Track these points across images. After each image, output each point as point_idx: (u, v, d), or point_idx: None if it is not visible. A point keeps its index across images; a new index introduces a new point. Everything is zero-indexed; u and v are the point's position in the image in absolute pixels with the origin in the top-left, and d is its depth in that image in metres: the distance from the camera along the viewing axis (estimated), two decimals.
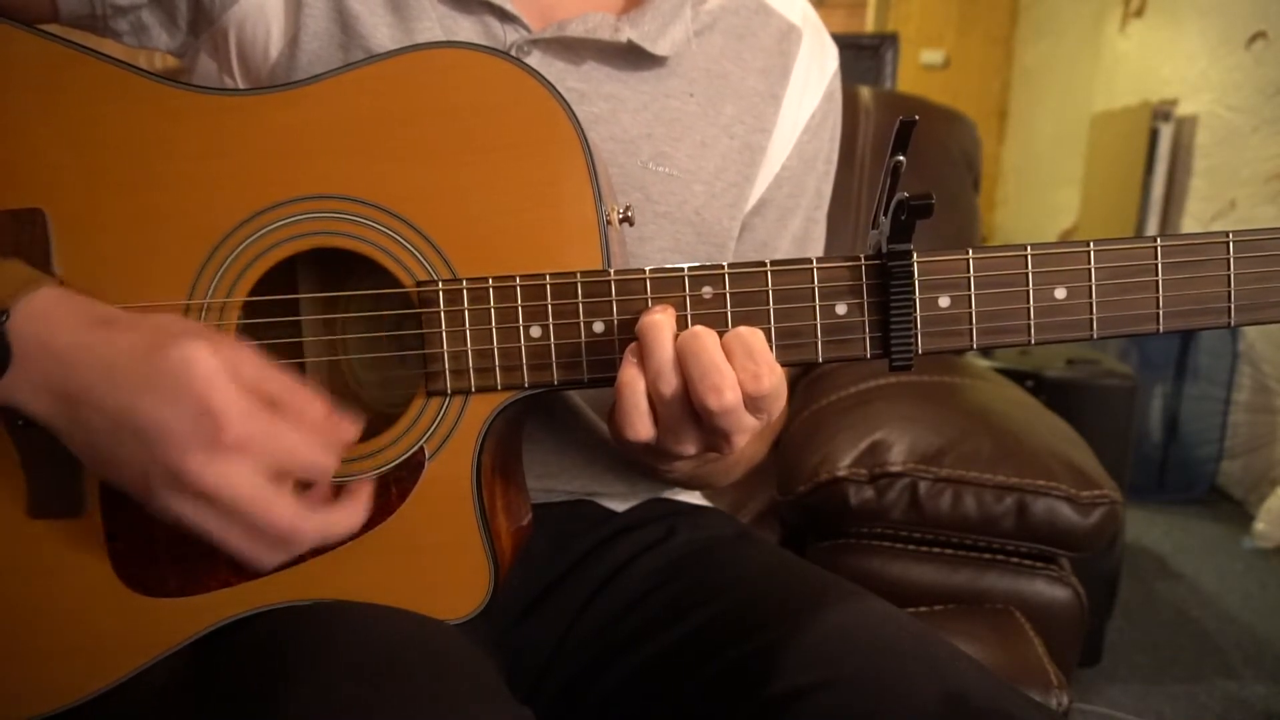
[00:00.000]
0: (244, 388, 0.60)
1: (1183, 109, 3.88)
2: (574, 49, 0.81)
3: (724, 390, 0.62)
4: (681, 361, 0.63)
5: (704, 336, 0.63)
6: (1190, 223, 3.77)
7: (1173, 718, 2.08)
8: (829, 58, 0.93)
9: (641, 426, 0.65)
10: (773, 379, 0.63)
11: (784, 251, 0.91)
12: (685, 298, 0.66)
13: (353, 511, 0.65)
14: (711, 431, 0.65)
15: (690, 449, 0.66)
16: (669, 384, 0.63)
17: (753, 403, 0.63)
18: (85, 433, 0.62)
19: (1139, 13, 4.45)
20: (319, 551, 0.68)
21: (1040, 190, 5.47)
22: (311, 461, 0.62)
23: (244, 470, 0.59)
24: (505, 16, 0.80)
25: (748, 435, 0.66)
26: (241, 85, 0.80)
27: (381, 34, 0.77)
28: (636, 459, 0.75)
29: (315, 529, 0.63)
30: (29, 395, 0.62)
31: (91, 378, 0.61)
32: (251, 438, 0.59)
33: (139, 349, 0.60)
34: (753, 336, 0.63)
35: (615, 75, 0.82)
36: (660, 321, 0.64)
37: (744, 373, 0.63)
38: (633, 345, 0.65)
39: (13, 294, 0.62)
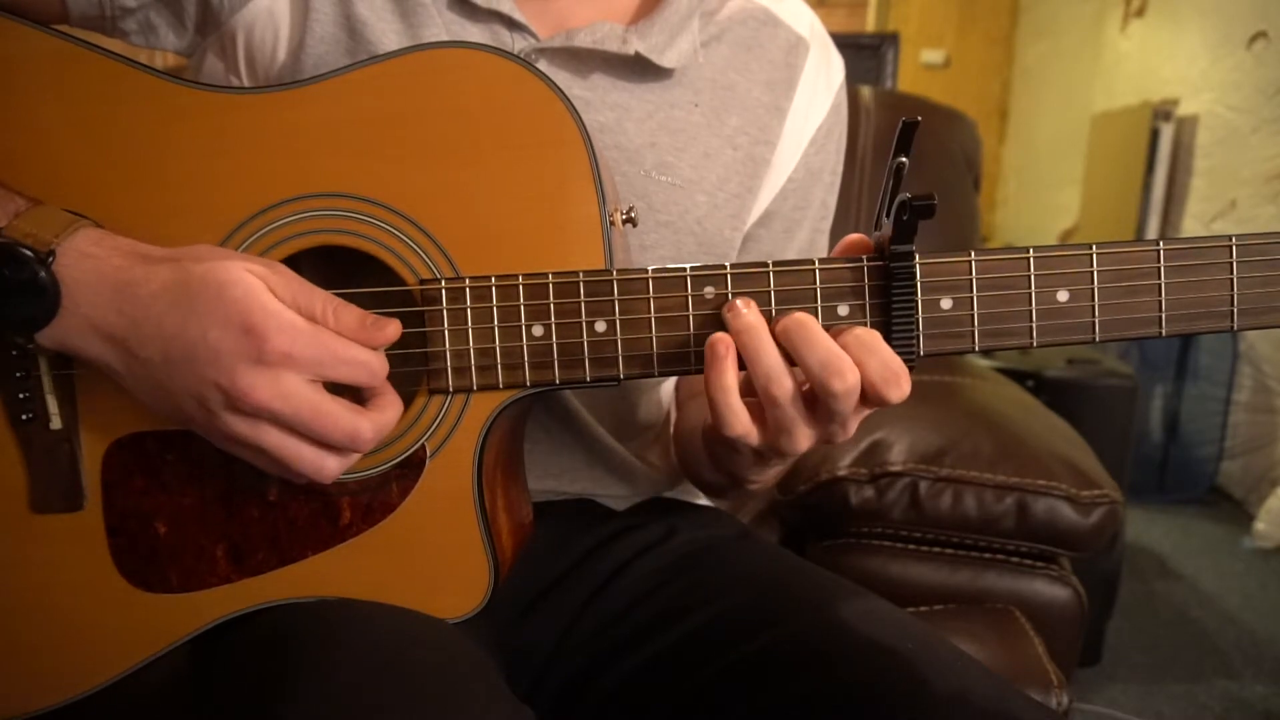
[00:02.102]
0: (281, 302, 0.61)
1: (1183, 109, 3.88)
2: (581, 59, 0.81)
3: (845, 372, 0.62)
4: (795, 354, 0.63)
5: (811, 324, 0.63)
6: (1191, 223, 3.77)
7: (1173, 717, 2.08)
8: (835, 70, 0.93)
9: (740, 425, 0.65)
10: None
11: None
12: (687, 297, 0.66)
13: (394, 401, 0.66)
14: (829, 419, 0.65)
15: (805, 444, 0.66)
16: (783, 385, 0.63)
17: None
18: (139, 367, 0.62)
19: (1140, 12, 4.45)
20: (320, 548, 0.69)
21: (1041, 190, 5.47)
22: (359, 364, 0.63)
23: (294, 380, 0.61)
24: (513, 25, 0.80)
25: (860, 420, 0.66)
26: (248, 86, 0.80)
27: (389, 40, 0.77)
28: (735, 469, 0.75)
29: (372, 425, 0.63)
30: (80, 336, 0.63)
31: (138, 313, 0.62)
32: (295, 348, 0.60)
33: (179, 278, 0.61)
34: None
35: (621, 85, 0.82)
36: (756, 324, 0.64)
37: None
38: (715, 345, 0.64)
39: (57, 235, 0.63)
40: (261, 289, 0.60)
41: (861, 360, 0.62)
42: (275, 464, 0.64)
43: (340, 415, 0.62)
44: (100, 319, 0.62)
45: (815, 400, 0.64)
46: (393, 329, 0.65)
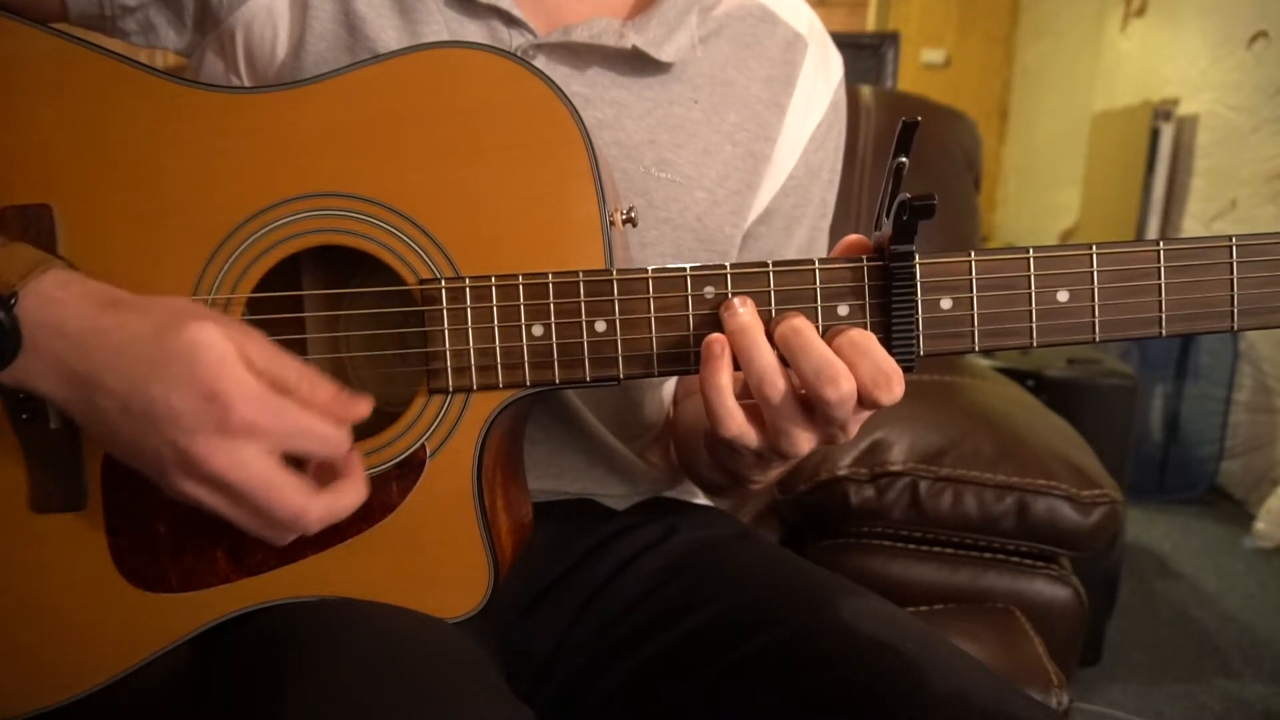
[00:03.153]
0: (252, 371, 0.60)
1: (1184, 108, 3.88)
2: (579, 54, 0.81)
3: (840, 379, 0.61)
4: (790, 360, 0.63)
5: (806, 330, 0.63)
6: (1191, 222, 3.77)
7: (1173, 717, 2.09)
8: (834, 68, 0.93)
9: (734, 425, 0.65)
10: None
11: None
12: (687, 297, 0.66)
13: (356, 488, 0.65)
14: (827, 423, 0.64)
15: (805, 446, 0.66)
16: (776, 387, 0.63)
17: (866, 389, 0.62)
18: (98, 414, 0.62)
19: (1140, 12, 4.45)
20: (320, 547, 0.69)
21: (1041, 190, 5.47)
22: (322, 440, 0.62)
23: (252, 453, 0.60)
24: (511, 21, 0.80)
25: (861, 421, 0.66)
26: (248, 85, 0.80)
27: (388, 36, 0.77)
28: (736, 470, 0.75)
29: (321, 509, 0.62)
30: (41, 378, 0.62)
31: (102, 361, 0.61)
32: (259, 421, 0.59)
33: (148, 332, 0.60)
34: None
35: (620, 81, 0.82)
36: (750, 325, 0.64)
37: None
38: (710, 344, 0.64)
39: (22, 276, 0.62)
40: (232, 355, 0.59)
41: (854, 362, 0.62)
42: (234, 524, 0.63)
43: (288, 493, 0.61)
44: (61, 364, 0.61)
45: (811, 404, 0.63)
46: (364, 407, 0.64)
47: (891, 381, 0.62)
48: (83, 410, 0.62)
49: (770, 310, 0.66)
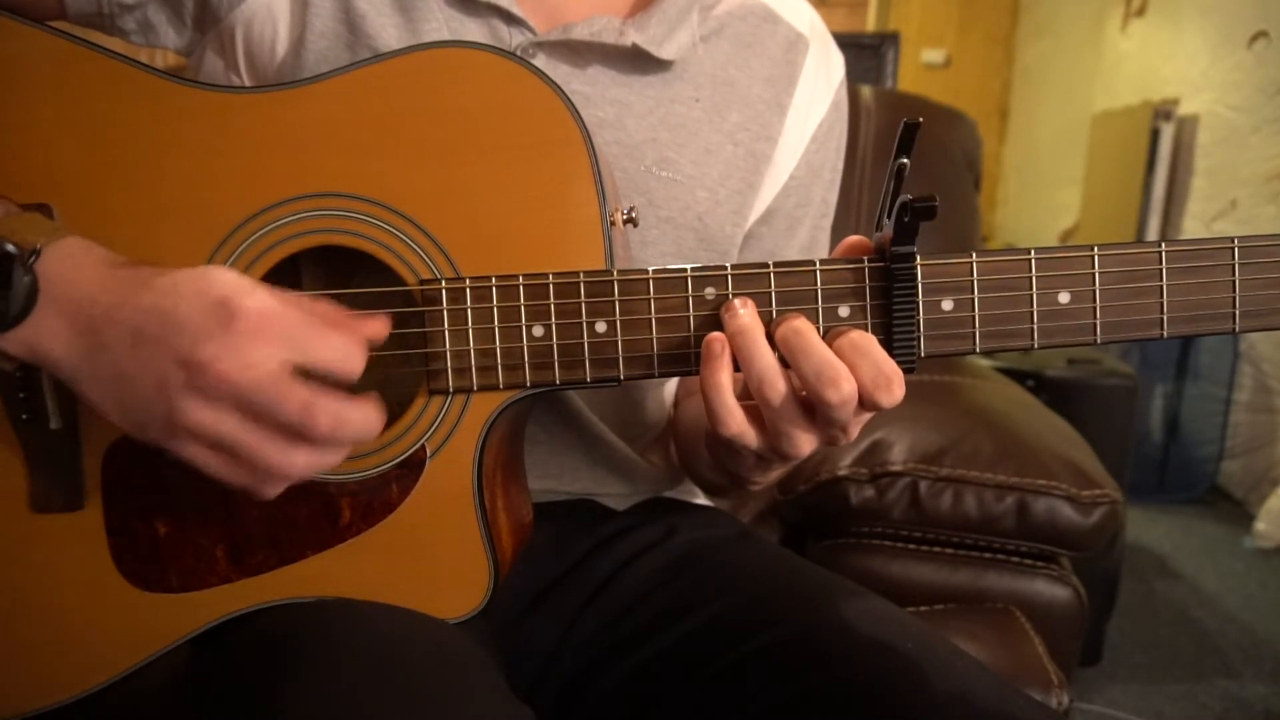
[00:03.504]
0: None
1: (1184, 108, 3.88)
2: (579, 52, 0.81)
3: (840, 381, 0.61)
4: (791, 361, 0.62)
5: (807, 332, 0.63)
6: (1191, 222, 3.77)
7: (1173, 717, 2.09)
8: (835, 68, 0.93)
9: (735, 424, 0.64)
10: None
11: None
12: (688, 298, 0.66)
13: (369, 410, 0.60)
14: (828, 425, 0.64)
15: (806, 448, 0.65)
16: (776, 389, 0.63)
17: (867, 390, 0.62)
18: (105, 357, 0.60)
19: (1140, 12, 4.45)
20: (320, 548, 0.69)
21: (1041, 190, 5.47)
22: (336, 348, 0.59)
23: (261, 354, 0.57)
24: (511, 19, 0.80)
25: (862, 423, 0.65)
26: (248, 84, 0.80)
27: (388, 34, 0.77)
28: (737, 471, 0.75)
29: (331, 408, 0.58)
30: (50, 334, 0.61)
31: (117, 299, 0.60)
32: (269, 323, 0.58)
33: (164, 280, 0.60)
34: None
35: (621, 79, 0.82)
36: (750, 326, 0.64)
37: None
38: (711, 343, 0.64)
39: (45, 236, 0.62)
40: (245, 278, 0.59)
41: (854, 364, 0.62)
42: (239, 465, 0.60)
43: (297, 390, 0.58)
44: (77, 312, 0.61)
45: (812, 406, 0.63)
46: (379, 322, 0.62)
47: (892, 383, 0.62)
48: (88, 361, 0.61)
49: (771, 311, 0.65)
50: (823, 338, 0.63)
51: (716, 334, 0.64)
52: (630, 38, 0.80)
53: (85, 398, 0.62)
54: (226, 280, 0.59)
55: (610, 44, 0.80)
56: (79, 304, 0.61)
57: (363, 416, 0.60)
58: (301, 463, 0.60)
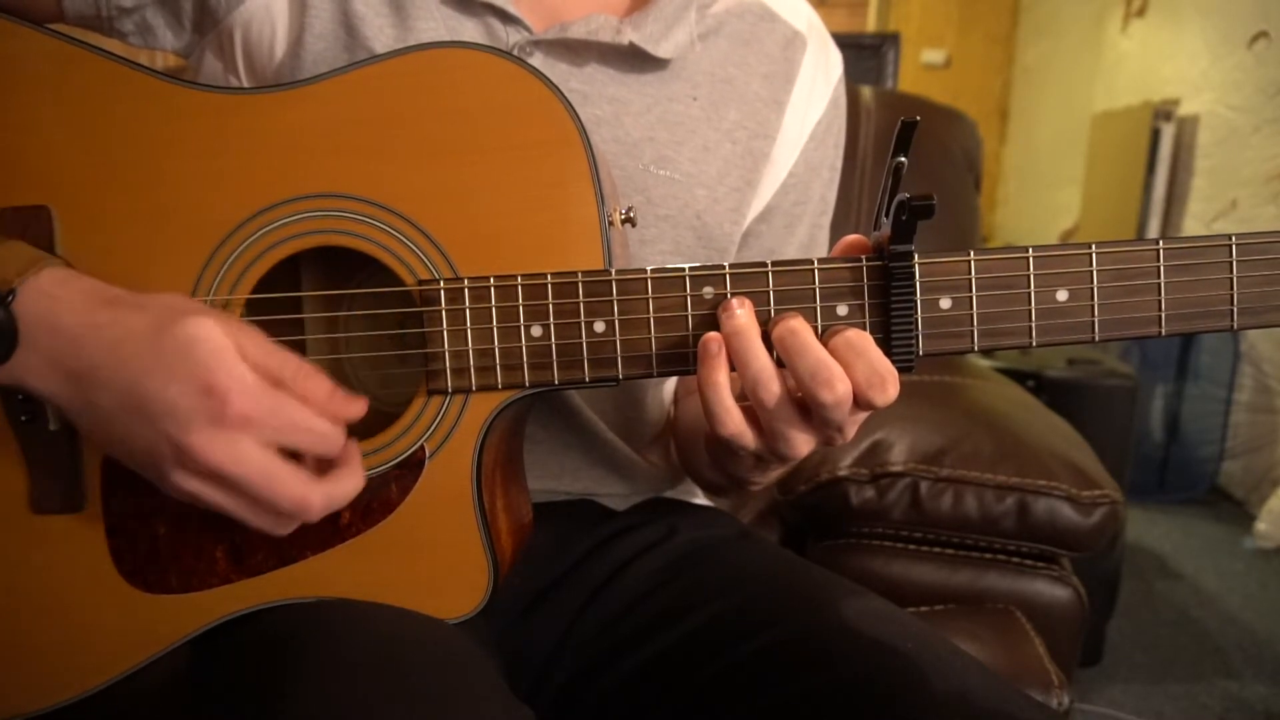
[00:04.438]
0: (248, 364, 0.60)
1: (1184, 109, 3.88)
2: (577, 51, 0.81)
3: (835, 381, 0.61)
4: (786, 361, 0.63)
5: (803, 332, 0.63)
6: (1192, 223, 3.77)
7: (1173, 717, 2.08)
8: (834, 65, 0.93)
9: (733, 424, 0.65)
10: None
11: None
12: (686, 298, 0.66)
13: (353, 475, 0.65)
14: (824, 425, 0.64)
15: (803, 448, 0.66)
16: (770, 390, 0.63)
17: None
18: (93, 411, 0.62)
19: (1140, 12, 4.45)
20: (320, 548, 0.69)
21: (1041, 190, 5.47)
22: (318, 437, 0.62)
23: (248, 445, 0.60)
24: (507, 18, 0.80)
25: (859, 423, 0.66)
26: (247, 85, 0.80)
27: (386, 35, 0.77)
28: (736, 472, 0.75)
29: (321, 496, 0.62)
30: (37, 376, 0.62)
31: (98, 357, 0.61)
32: (255, 413, 0.59)
33: (145, 328, 0.60)
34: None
35: (618, 78, 0.82)
36: (746, 327, 0.64)
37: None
38: (708, 343, 0.64)
39: (19, 273, 0.62)
40: (229, 349, 0.59)
41: (849, 363, 0.62)
42: (234, 518, 0.63)
43: (290, 483, 0.61)
44: (58, 361, 0.61)
45: (808, 406, 0.63)
46: (358, 407, 0.64)
47: (886, 383, 0.62)
48: (79, 408, 0.62)
49: (769, 310, 0.65)
50: (819, 336, 0.63)
51: (713, 334, 0.64)
52: (627, 36, 0.80)
53: (81, 432, 0.64)
54: (215, 358, 0.59)
55: (607, 43, 0.80)
56: (60, 352, 0.61)
57: (350, 487, 0.65)
58: (286, 529, 0.65)
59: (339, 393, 0.63)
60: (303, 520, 0.64)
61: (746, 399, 0.65)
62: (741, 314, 0.64)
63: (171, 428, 0.59)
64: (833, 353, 0.62)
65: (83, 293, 0.63)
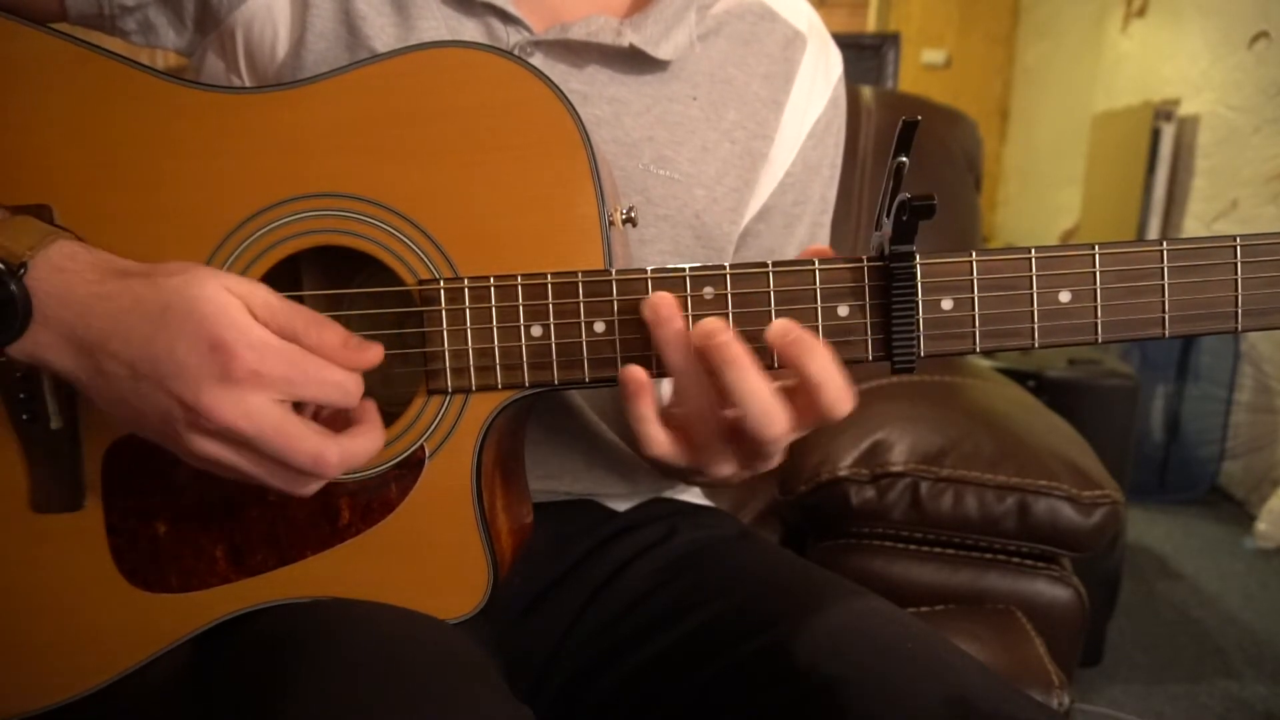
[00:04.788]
0: (257, 319, 0.60)
1: (1185, 109, 3.88)
2: (577, 51, 0.81)
3: (776, 425, 0.63)
4: (733, 399, 0.63)
5: (753, 379, 0.62)
6: (1192, 223, 3.77)
7: (1173, 717, 2.08)
8: (833, 64, 0.93)
9: (660, 447, 0.66)
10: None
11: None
12: (687, 298, 0.66)
13: (372, 434, 0.64)
14: (752, 456, 0.66)
15: (728, 470, 0.68)
16: (710, 426, 0.65)
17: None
18: (107, 381, 0.61)
19: (1141, 12, 4.45)
20: (320, 547, 0.69)
21: (1042, 190, 5.47)
22: (332, 385, 0.61)
23: (260, 401, 0.59)
24: (508, 19, 0.80)
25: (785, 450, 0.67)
26: (248, 85, 0.80)
27: (387, 34, 0.77)
28: (671, 475, 0.76)
29: (339, 451, 0.61)
30: (50, 349, 0.62)
31: (108, 326, 0.60)
32: (264, 367, 0.59)
33: (153, 293, 0.60)
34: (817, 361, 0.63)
35: (618, 78, 0.82)
36: (692, 366, 0.64)
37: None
38: (631, 379, 0.64)
39: (30, 247, 0.62)
40: (235, 305, 0.59)
41: (792, 395, 0.63)
42: (249, 480, 0.63)
43: (305, 437, 0.60)
44: (70, 333, 0.61)
45: (740, 434, 0.65)
46: (374, 352, 0.64)
47: (837, 409, 0.63)
48: (93, 380, 0.62)
49: (770, 311, 0.65)
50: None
51: (634, 368, 0.64)
52: (627, 38, 0.80)
53: (96, 405, 0.63)
54: (221, 314, 0.59)
55: (608, 44, 0.80)
56: (71, 324, 0.61)
57: (368, 443, 0.64)
58: (306, 488, 0.64)
59: (353, 339, 0.63)
60: (321, 476, 0.62)
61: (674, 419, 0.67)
62: (726, 338, 0.63)
63: (181, 388, 0.58)
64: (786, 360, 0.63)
65: (93, 265, 0.63)
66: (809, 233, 0.92)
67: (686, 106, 0.83)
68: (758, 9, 0.88)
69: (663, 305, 0.64)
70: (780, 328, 0.63)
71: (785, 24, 0.89)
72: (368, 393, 0.65)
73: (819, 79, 0.90)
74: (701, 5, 0.85)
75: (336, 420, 0.65)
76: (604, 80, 0.81)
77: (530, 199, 0.67)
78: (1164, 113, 3.90)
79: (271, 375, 0.59)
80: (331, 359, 0.62)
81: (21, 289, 0.61)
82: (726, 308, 0.66)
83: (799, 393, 0.63)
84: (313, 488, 0.64)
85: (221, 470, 0.62)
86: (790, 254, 0.91)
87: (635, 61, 0.82)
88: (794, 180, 0.90)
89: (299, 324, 0.61)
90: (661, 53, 0.81)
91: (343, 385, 0.62)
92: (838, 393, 0.62)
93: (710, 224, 0.84)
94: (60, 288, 0.61)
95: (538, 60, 0.80)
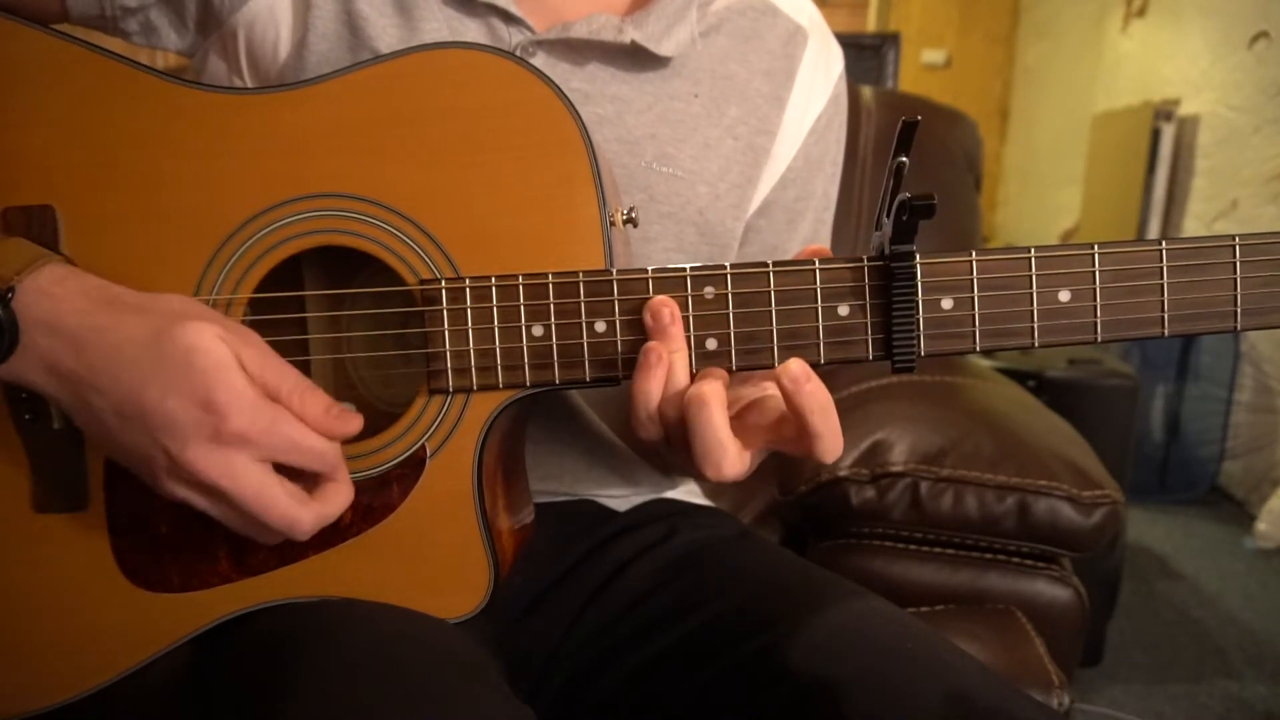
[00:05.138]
0: (247, 376, 0.60)
1: (1185, 109, 3.88)
2: (578, 50, 0.81)
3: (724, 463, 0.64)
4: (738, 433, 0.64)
5: (713, 406, 0.63)
6: (1192, 223, 3.77)
7: (1173, 718, 2.08)
8: (835, 61, 0.93)
9: (655, 431, 0.66)
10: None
11: (794, 255, 0.91)
12: (687, 298, 0.66)
13: (342, 491, 0.66)
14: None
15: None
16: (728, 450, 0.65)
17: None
18: (89, 412, 0.62)
19: (1141, 12, 4.45)
20: (321, 547, 0.69)
21: (1042, 190, 5.47)
22: (313, 454, 0.63)
23: (243, 462, 0.60)
24: (510, 19, 0.80)
25: None
26: (250, 86, 0.80)
27: (389, 35, 0.77)
28: (673, 471, 0.76)
29: (312, 517, 0.63)
30: (35, 374, 0.62)
31: (97, 361, 0.61)
32: (252, 431, 0.60)
33: (145, 334, 0.60)
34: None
35: (620, 76, 0.82)
36: (714, 413, 0.64)
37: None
38: (649, 352, 0.64)
39: (18, 271, 0.62)
40: (229, 362, 0.60)
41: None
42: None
43: (281, 503, 0.61)
44: (57, 362, 0.61)
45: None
46: (355, 424, 0.65)
47: (826, 458, 0.64)
48: (76, 407, 0.63)
49: (771, 311, 0.65)
50: (812, 339, 0.64)
51: (655, 345, 0.65)
52: (629, 35, 0.80)
53: (78, 426, 0.64)
54: (215, 371, 0.59)
55: (609, 42, 0.80)
56: (59, 353, 0.61)
57: (340, 504, 0.65)
58: (274, 542, 0.66)
59: (335, 409, 0.64)
60: (294, 538, 0.64)
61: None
62: (708, 389, 0.64)
63: (168, 440, 0.59)
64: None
65: (82, 292, 0.63)
66: (813, 229, 0.92)
67: (688, 103, 0.83)
68: (759, 5, 0.88)
69: (663, 310, 0.65)
70: (798, 371, 0.62)
71: (787, 19, 0.89)
72: (369, 392, 0.65)
73: (820, 75, 0.91)
74: (702, 2, 0.85)
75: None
76: (606, 78, 0.81)
77: (531, 199, 0.67)
78: (1164, 113, 3.90)
79: (258, 440, 0.60)
80: (314, 426, 0.63)
81: (8, 313, 0.61)
82: (727, 308, 0.66)
83: (785, 422, 0.64)
84: (279, 541, 0.66)
85: (193, 508, 0.63)
86: (793, 250, 0.91)
87: (637, 59, 0.82)
88: (795, 176, 0.90)
89: (285, 386, 0.62)
90: (663, 49, 0.81)
91: (323, 455, 0.63)
92: (833, 443, 0.63)
93: (714, 220, 0.84)
94: (48, 313, 0.61)
95: (539, 60, 0.80)
